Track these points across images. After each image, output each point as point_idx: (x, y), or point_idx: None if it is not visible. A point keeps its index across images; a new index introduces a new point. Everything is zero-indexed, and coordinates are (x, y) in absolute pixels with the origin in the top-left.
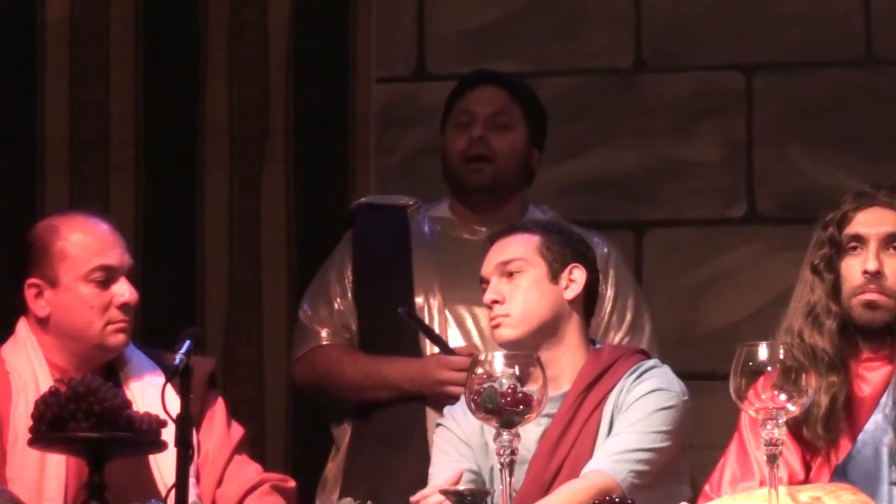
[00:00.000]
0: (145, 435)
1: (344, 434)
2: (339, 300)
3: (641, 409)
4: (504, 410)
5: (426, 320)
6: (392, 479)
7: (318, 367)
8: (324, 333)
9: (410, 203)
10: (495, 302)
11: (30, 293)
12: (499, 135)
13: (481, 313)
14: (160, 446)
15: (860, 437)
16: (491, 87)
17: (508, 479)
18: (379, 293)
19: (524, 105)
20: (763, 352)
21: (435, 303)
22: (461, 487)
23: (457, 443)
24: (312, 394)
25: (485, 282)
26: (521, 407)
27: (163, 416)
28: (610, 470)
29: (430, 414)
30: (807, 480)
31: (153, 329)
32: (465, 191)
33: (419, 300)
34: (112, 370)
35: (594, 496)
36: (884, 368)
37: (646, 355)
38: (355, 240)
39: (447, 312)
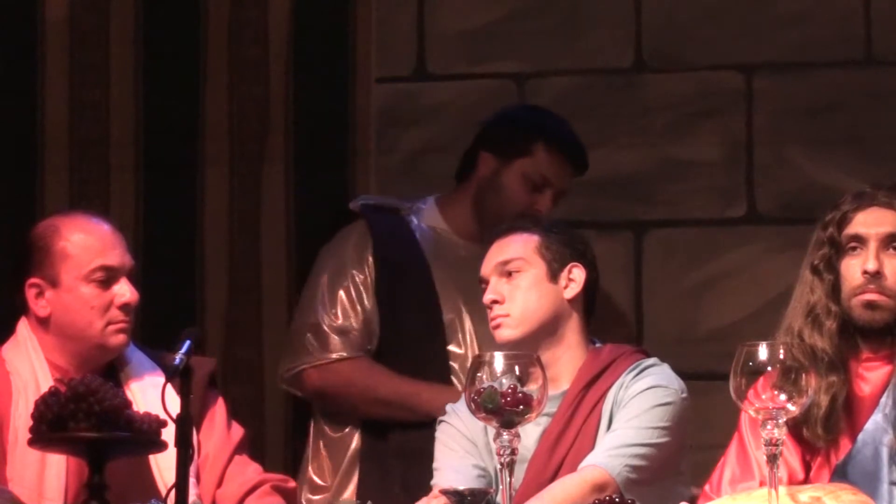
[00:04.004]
0: (145, 435)
1: (345, 441)
2: (365, 304)
3: (639, 405)
4: (504, 410)
5: (455, 339)
6: (410, 492)
7: (345, 378)
8: (349, 342)
9: (402, 207)
10: (495, 302)
11: (30, 293)
12: (551, 205)
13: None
14: (160, 446)
15: (860, 436)
16: (569, 166)
17: (508, 478)
18: (405, 303)
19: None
20: (763, 352)
21: (466, 323)
22: (461, 487)
23: (462, 439)
24: (322, 402)
25: (484, 282)
26: (521, 407)
27: (163, 416)
28: (605, 464)
29: None
30: (807, 480)
31: (153, 329)
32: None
33: (448, 317)
34: (112, 370)
35: (588, 490)
36: (884, 368)
37: (645, 354)
38: (376, 241)
39: (473, 332)
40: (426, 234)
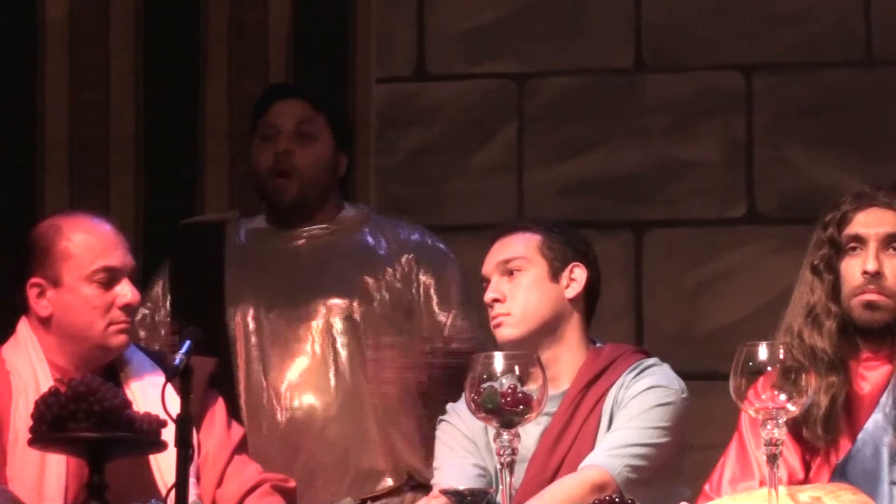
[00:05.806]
0: (145, 435)
1: None
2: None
3: (639, 404)
4: (504, 410)
5: (241, 332)
6: None
7: None
8: None
9: (229, 217)
10: (496, 301)
11: (32, 293)
12: (303, 147)
13: (294, 318)
14: (160, 446)
15: (860, 436)
16: (293, 99)
17: (508, 478)
18: (191, 315)
19: (328, 114)
20: (763, 352)
21: (249, 314)
22: (461, 487)
23: (462, 439)
24: None
25: (485, 280)
26: (521, 407)
27: (163, 416)
28: (605, 464)
29: None
30: (806, 480)
31: None
32: (273, 206)
33: (233, 317)
34: (113, 370)
35: (588, 490)
36: (883, 367)
37: (645, 354)
38: (170, 268)
39: (263, 322)
40: (245, 238)
